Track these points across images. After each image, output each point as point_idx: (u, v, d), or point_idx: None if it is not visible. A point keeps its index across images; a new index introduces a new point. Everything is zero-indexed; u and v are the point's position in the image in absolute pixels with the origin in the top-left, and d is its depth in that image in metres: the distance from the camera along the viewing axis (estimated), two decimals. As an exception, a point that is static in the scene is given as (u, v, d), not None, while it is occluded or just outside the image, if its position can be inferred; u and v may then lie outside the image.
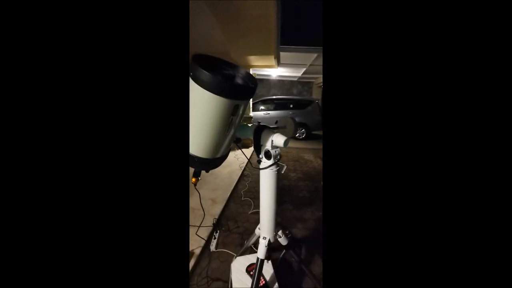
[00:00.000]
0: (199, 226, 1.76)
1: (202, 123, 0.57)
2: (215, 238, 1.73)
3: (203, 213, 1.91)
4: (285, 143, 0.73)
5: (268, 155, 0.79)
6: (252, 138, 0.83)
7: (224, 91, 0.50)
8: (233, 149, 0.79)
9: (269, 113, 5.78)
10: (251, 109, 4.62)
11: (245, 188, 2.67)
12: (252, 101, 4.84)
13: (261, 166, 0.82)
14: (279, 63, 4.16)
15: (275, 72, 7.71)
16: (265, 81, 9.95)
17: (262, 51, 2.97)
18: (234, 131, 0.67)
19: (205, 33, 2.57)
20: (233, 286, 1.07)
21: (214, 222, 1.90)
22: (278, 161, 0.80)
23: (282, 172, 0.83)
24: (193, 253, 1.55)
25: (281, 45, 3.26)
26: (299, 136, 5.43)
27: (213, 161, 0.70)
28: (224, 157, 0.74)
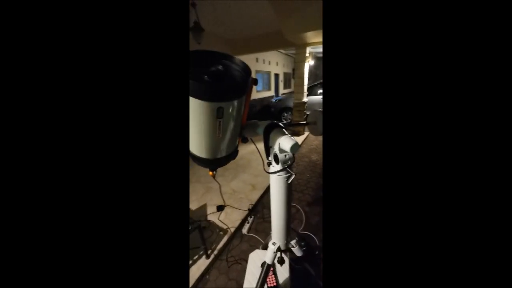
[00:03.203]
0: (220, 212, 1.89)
1: (191, 125, 0.55)
2: (248, 222, 1.82)
3: (243, 196, 2.03)
4: (293, 148, 0.60)
5: (276, 159, 0.69)
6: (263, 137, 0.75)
7: (200, 94, 0.45)
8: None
9: None
10: (305, 94, 4.14)
11: (287, 178, 2.59)
12: (308, 84, 4.31)
13: (270, 170, 0.73)
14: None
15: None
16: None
17: (319, 25, 2.54)
18: (233, 132, 0.62)
19: (255, 14, 2.45)
20: (245, 276, 1.11)
21: (250, 207, 1.98)
22: (287, 167, 0.69)
23: (289, 182, 0.71)
24: (227, 231, 1.71)
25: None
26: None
27: (217, 161, 0.68)
28: (230, 155, 0.71)
